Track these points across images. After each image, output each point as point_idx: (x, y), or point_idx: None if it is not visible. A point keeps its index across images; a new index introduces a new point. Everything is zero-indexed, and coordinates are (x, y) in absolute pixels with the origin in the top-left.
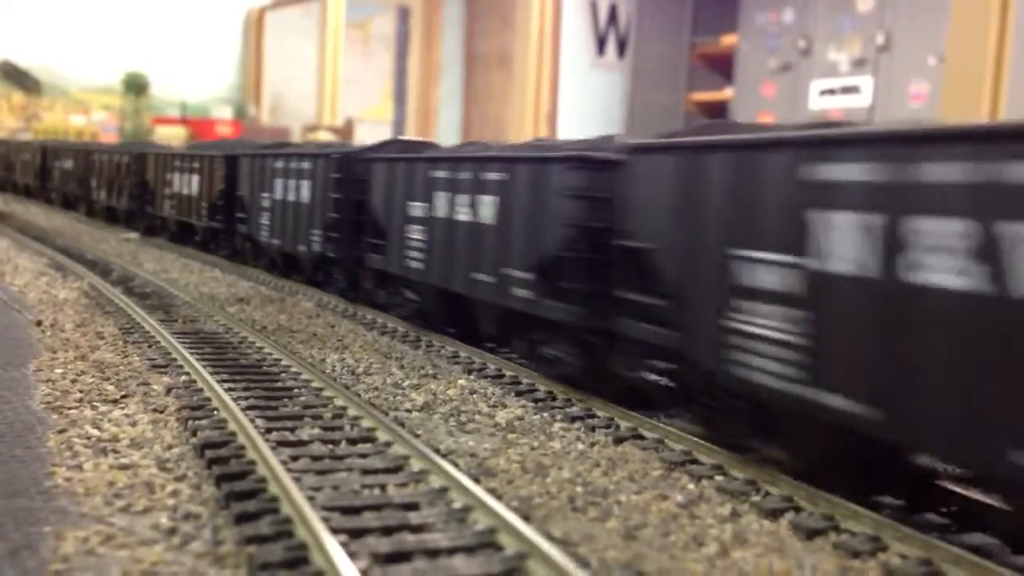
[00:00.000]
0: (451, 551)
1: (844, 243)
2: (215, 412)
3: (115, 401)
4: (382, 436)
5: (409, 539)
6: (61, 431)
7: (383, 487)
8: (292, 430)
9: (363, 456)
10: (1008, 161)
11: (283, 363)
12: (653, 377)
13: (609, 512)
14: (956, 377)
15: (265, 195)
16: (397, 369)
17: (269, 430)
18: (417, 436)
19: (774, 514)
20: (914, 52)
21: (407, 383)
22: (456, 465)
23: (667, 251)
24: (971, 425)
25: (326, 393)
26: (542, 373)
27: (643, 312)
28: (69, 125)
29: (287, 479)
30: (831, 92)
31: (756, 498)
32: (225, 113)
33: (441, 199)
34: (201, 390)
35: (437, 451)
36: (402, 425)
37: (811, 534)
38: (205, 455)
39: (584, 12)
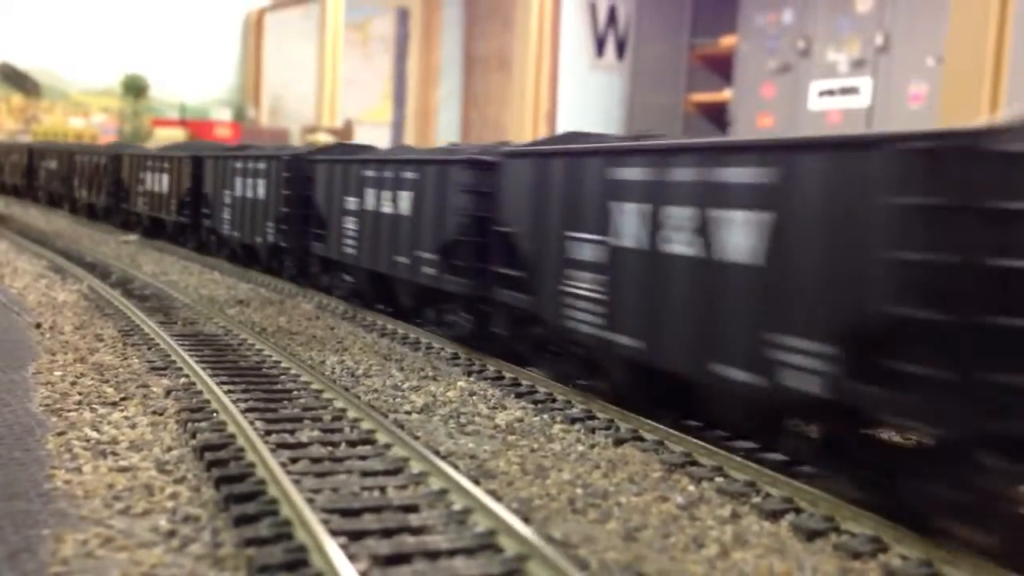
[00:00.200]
0: (451, 553)
1: (629, 224)
2: (214, 414)
3: (114, 403)
4: (382, 438)
5: (409, 541)
6: (60, 433)
7: (383, 489)
8: (292, 432)
9: (363, 458)
10: (713, 167)
11: (283, 365)
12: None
13: (609, 514)
14: (685, 316)
15: (227, 192)
16: (397, 371)
17: (269, 432)
18: (417, 438)
19: (774, 515)
20: (913, 53)
21: (407, 385)
22: (456, 467)
23: (525, 233)
24: (692, 348)
25: (326, 395)
26: (445, 335)
27: (510, 282)
28: (68, 127)
29: (286, 481)
30: (830, 93)
31: (756, 499)
32: (224, 115)
33: (370, 195)
34: (200, 392)
35: (437, 453)
36: (402, 427)
37: (811, 535)
38: (204, 457)
39: (583, 13)
